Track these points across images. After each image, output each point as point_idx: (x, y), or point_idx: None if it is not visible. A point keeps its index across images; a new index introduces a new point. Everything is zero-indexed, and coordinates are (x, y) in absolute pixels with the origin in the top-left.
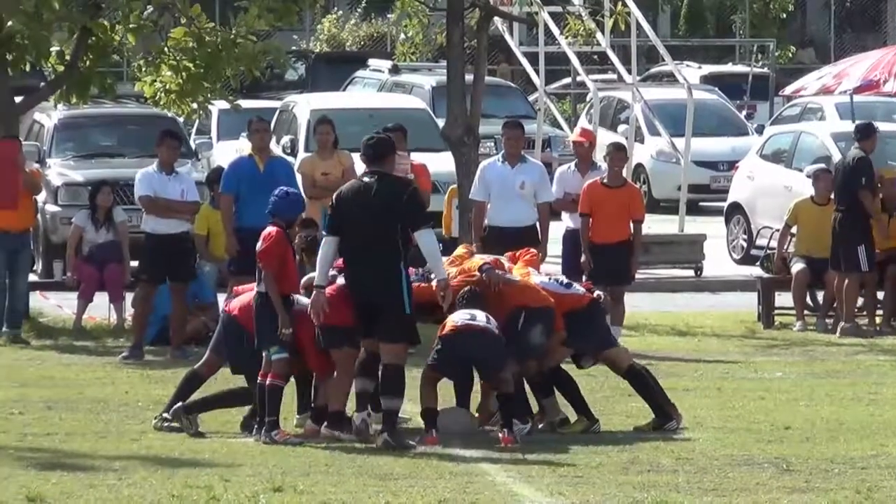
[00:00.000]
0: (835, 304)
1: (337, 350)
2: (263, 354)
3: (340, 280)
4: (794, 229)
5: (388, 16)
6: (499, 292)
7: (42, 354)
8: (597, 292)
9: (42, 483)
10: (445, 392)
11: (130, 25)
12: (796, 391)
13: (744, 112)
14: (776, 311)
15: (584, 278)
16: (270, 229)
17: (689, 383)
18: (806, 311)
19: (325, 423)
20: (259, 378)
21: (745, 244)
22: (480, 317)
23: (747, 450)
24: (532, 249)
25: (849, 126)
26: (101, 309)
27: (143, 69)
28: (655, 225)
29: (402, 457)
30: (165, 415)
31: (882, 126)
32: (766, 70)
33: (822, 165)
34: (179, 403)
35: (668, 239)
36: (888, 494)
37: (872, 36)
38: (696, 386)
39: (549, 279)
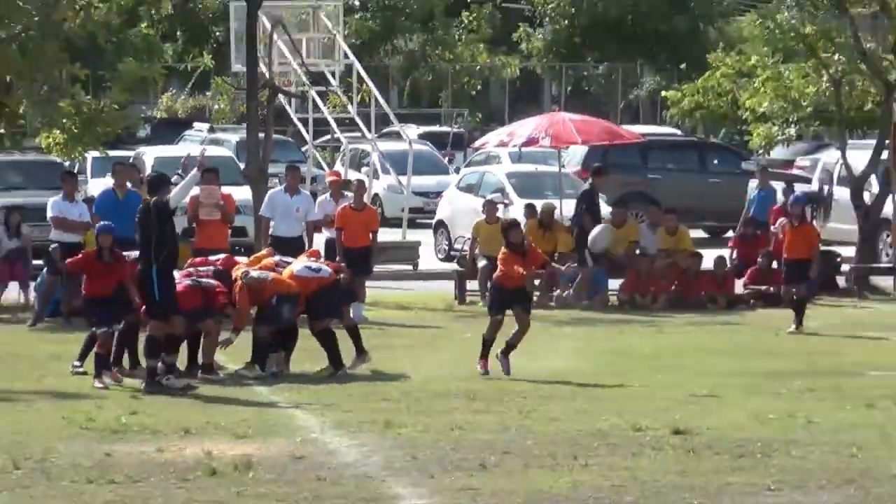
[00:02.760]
0: None
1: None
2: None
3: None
4: (478, 239)
5: (207, 93)
6: (260, 287)
7: None
8: (342, 274)
9: None
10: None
11: (33, 100)
12: (476, 345)
13: (446, 158)
14: (467, 293)
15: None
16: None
17: (409, 341)
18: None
19: (201, 371)
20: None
21: (447, 248)
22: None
23: (446, 385)
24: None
25: (518, 167)
26: (11, 292)
27: (41, 128)
28: (387, 235)
29: (222, 397)
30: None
31: (541, 168)
32: (462, 129)
33: (495, 195)
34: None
35: (395, 244)
36: (543, 414)
37: (533, 107)
38: (415, 343)
39: (303, 267)
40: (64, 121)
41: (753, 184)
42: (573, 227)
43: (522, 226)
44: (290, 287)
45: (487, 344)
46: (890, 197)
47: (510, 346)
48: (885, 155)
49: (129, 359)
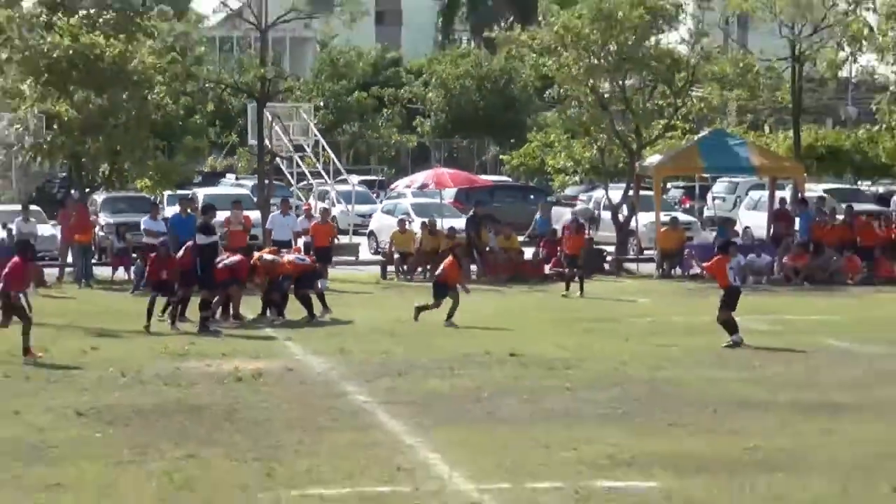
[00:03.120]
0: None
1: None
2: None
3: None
4: (393, 242)
5: (234, 156)
6: (273, 267)
7: (97, 292)
8: (316, 263)
9: (94, 338)
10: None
11: (132, 161)
12: (408, 307)
13: (375, 195)
14: (388, 274)
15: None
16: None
17: (353, 302)
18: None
19: (232, 318)
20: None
21: (375, 247)
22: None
23: (376, 326)
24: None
25: (418, 200)
26: (119, 273)
27: (137, 177)
28: (342, 239)
29: (244, 334)
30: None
31: (430, 200)
32: (383, 178)
33: (404, 216)
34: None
35: (345, 245)
36: (434, 344)
37: (426, 165)
38: (357, 303)
39: (295, 258)
40: (150, 173)
41: (538, 213)
42: (466, 236)
43: (419, 234)
44: (289, 269)
45: (421, 310)
46: (634, 217)
47: (450, 314)
48: (630, 192)
49: (171, 315)
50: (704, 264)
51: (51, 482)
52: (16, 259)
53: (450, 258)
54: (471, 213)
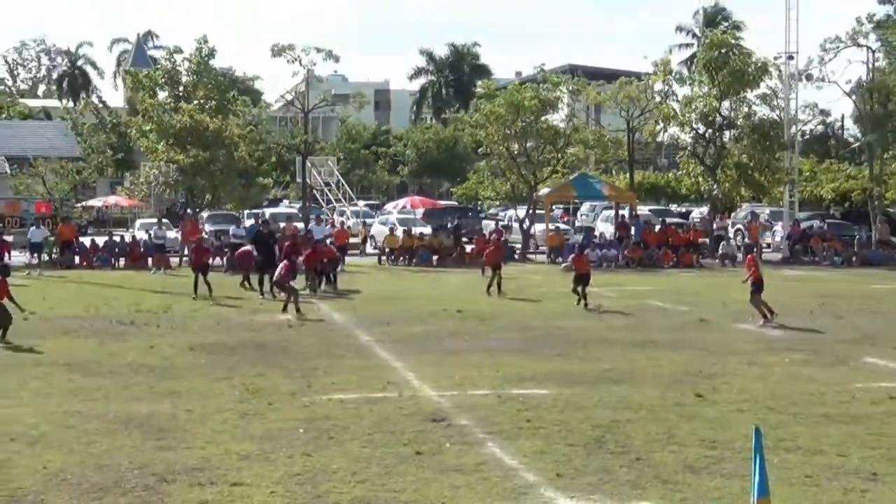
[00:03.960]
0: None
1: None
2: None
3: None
4: (385, 241)
5: (287, 189)
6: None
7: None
8: (337, 254)
9: (199, 301)
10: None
11: (226, 192)
12: (395, 281)
13: (375, 212)
14: (382, 260)
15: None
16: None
17: (361, 278)
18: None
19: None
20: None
21: (375, 244)
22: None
23: (377, 294)
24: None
25: (401, 215)
26: (216, 261)
27: (227, 202)
28: (352, 240)
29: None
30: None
31: (408, 216)
32: (380, 202)
33: (391, 225)
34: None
35: (355, 243)
36: (414, 305)
37: (405, 194)
38: (363, 279)
39: (327, 250)
40: (236, 199)
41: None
42: (453, 238)
43: (401, 237)
44: (328, 255)
45: (489, 286)
46: (532, 226)
47: (498, 286)
48: (530, 211)
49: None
50: (574, 259)
51: (173, 390)
52: (285, 262)
53: (492, 246)
54: (455, 224)
